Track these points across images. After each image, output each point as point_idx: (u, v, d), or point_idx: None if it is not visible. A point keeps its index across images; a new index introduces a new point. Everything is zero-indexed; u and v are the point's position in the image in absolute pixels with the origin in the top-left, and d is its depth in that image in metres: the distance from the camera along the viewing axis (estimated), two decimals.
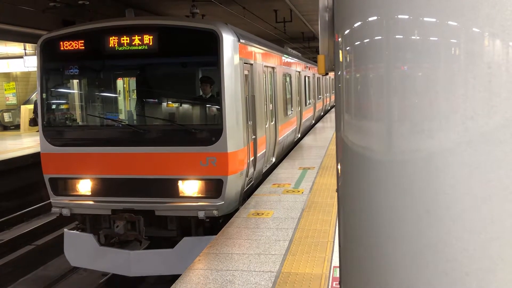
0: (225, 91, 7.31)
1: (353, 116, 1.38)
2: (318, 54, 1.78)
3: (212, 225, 7.89)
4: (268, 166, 10.85)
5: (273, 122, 11.42)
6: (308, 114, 19.38)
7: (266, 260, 5.73)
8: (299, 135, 16.67)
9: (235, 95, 7.53)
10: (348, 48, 1.42)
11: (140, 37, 7.51)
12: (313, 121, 21.93)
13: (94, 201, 7.83)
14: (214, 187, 7.45)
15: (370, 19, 1.22)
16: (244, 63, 8.27)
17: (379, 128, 1.18)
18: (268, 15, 21.38)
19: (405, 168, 1.09)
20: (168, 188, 7.53)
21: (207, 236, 7.53)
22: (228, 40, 7.44)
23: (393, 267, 1.15)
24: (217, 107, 7.58)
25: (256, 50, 9.66)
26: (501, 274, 0.94)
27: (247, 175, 8.37)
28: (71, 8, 14.48)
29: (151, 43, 7.51)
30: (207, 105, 8.20)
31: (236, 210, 7.98)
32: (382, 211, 1.18)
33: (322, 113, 26.98)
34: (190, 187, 7.55)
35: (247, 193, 8.85)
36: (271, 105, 11.14)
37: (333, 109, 30.50)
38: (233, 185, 7.61)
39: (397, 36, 1.11)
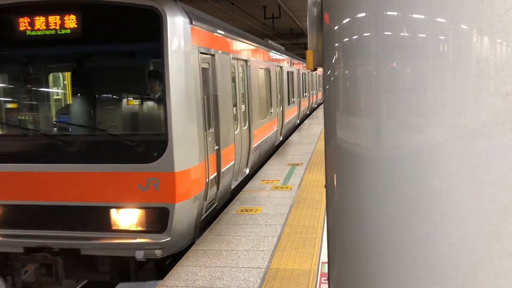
0: (170, 89, 5.50)
1: (341, 112, 1.38)
2: (307, 50, 1.77)
3: (158, 265, 6.32)
4: (240, 179, 9.06)
5: (246, 126, 9.61)
6: (291, 114, 17.63)
7: (255, 256, 5.74)
8: (281, 138, 14.90)
9: (186, 95, 5.72)
10: (336, 44, 1.42)
11: (59, 18, 5.64)
12: (298, 121, 20.27)
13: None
14: (157, 218, 5.62)
15: (358, 15, 1.22)
16: (201, 53, 6.50)
17: (368, 124, 1.18)
18: (257, 11, 21.35)
19: (393, 164, 1.09)
20: (97, 219, 5.69)
21: (151, 281, 5.87)
22: (175, 22, 5.65)
23: (382, 262, 1.15)
24: (161, 110, 5.71)
25: (221, 38, 7.79)
26: (488, 268, 0.94)
27: (205, 198, 6.48)
28: None
29: (73, 26, 5.64)
30: (149, 108, 6.28)
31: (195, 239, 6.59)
32: (370, 207, 1.19)
33: (308, 112, 25.46)
34: (126, 218, 5.71)
35: (208, 220, 7.07)
36: (243, 106, 9.43)
37: (319, 107, 30.36)
38: (184, 214, 5.76)
39: (385, 33, 1.11)
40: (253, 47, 10.80)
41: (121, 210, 5.71)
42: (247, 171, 9.76)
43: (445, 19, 0.97)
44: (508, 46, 0.91)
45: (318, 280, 5.08)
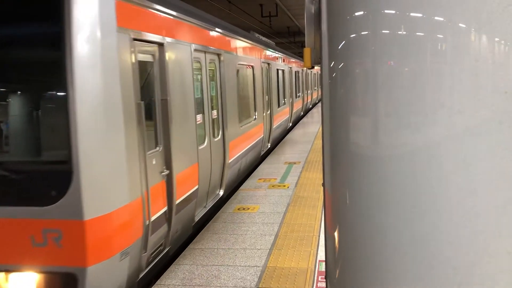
0: (76, 93, 3.71)
1: (339, 110, 1.38)
2: (304, 48, 1.77)
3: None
4: (211, 204, 7.38)
5: (219, 137, 7.81)
6: (282, 117, 15.56)
7: (252, 254, 5.74)
8: (269, 145, 12.99)
9: (104, 101, 3.93)
10: (334, 42, 1.41)
11: None
12: (290, 124, 18.36)
13: None
14: None
15: (356, 13, 1.22)
16: (135, 39, 4.53)
17: (366, 123, 1.18)
18: (254, 9, 21.33)
19: (391, 163, 1.09)
20: None
21: None
22: None
23: (380, 261, 1.15)
24: (62, 125, 3.79)
25: (175, 22, 5.76)
26: (486, 267, 0.94)
27: (145, 249, 4.69)
28: None
29: None
30: (45, 123, 4.14)
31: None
32: (368, 205, 1.18)
33: (302, 113, 23.51)
34: None
35: (159, 269, 5.38)
36: (215, 112, 7.63)
37: (316, 107, 30.18)
38: (104, 280, 4.00)
39: (383, 31, 1.10)
40: (230, 39, 8.65)
41: (11, 276, 3.87)
42: (221, 192, 7.90)
43: (443, 17, 0.96)
44: (506, 45, 0.90)
45: (315, 278, 5.08)
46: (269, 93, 13.20)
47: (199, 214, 6.76)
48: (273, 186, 9.18)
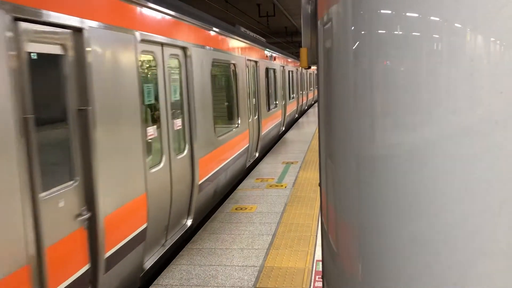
0: None
1: (335, 110, 1.38)
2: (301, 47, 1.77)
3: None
4: (176, 237, 6.01)
5: (185, 153, 6.32)
6: (273, 121, 14.02)
7: (249, 254, 5.74)
8: (256, 154, 11.81)
9: None
10: (330, 42, 1.41)
11: None
12: (283, 128, 16.90)
13: None
14: None
15: (352, 13, 1.22)
16: (19, 19, 3.11)
17: (362, 123, 1.18)
18: (251, 9, 21.34)
19: (387, 163, 1.09)
20: None
21: None
22: None
23: (376, 260, 1.15)
24: None
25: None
26: (482, 266, 0.94)
27: None
28: None
29: None
30: None
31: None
32: (364, 205, 1.19)
33: (296, 115, 22.11)
34: None
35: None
36: (178, 122, 6.11)
37: (309, 109, 30.03)
38: None
39: (379, 31, 1.10)
40: (203, 30, 7.18)
41: None
42: (190, 222, 6.53)
43: (439, 17, 0.96)
44: (501, 44, 0.91)
45: (313, 278, 5.08)
46: (257, 95, 11.86)
47: (153, 258, 5.36)
48: (270, 186, 9.18)
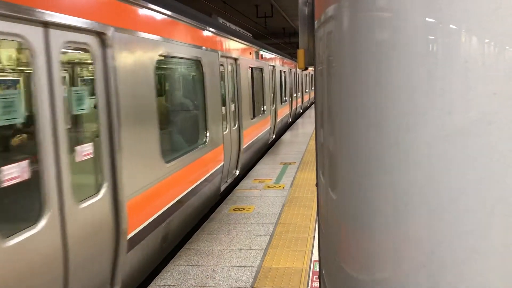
0: None
1: (332, 111, 1.39)
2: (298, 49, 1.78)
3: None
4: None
5: (104, 191, 4.13)
6: (259, 130, 12.33)
7: (247, 255, 5.74)
8: (237, 172, 10.03)
9: None
10: (327, 43, 1.42)
11: None
12: (273, 136, 15.28)
13: None
14: None
15: (348, 14, 1.23)
16: None
17: (358, 124, 1.19)
18: (249, 9, 21.35)
19: (383, 163, 1.10)
20: None
21: None
22: None
23: (372, 260, 1.16)
24: None
25: None
26: (475, 266, 0.95)
27: None
28: None
29: None
30: None
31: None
32: (360, 205, 1.19)
33: (290, 120, 20.52)
34: None
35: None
36: (85, 146, 3.95)
37: (304, 112, 29.94)
38: None
39: (375, 32, 1.11)
40: (135, 9, 4.88)
41: None
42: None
43: (434, 18, 0.97)
44: (496, 46, 0.92)
45: (310, 278, 5.09)
46: (237, 100, 9.87)
47: None
48: (268, 186, 9.19)
